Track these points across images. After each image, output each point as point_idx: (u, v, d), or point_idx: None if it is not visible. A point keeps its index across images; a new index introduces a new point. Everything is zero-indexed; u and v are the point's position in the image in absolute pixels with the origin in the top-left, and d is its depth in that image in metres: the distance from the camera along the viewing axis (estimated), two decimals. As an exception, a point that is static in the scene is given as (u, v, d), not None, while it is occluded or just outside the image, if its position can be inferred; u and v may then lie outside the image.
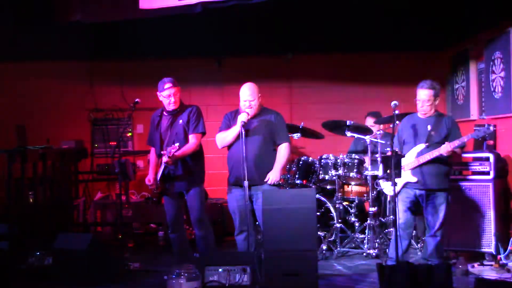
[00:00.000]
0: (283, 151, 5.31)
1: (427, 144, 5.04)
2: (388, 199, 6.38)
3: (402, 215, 5.17)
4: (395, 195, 4.69)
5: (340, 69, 8.00)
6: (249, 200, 5.13)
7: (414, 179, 5.06)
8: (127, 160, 7.04)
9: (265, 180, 5.20)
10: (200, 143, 5.35)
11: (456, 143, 4.96)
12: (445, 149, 4.93)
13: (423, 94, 5.09)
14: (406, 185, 5.15)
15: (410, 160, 5.11)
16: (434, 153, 4.98)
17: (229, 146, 5.33)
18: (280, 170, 5.28)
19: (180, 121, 5.27)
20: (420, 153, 5.07)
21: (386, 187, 5.36)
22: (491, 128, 5.05)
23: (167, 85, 5.22)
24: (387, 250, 5.74)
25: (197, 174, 5.30)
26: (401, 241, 5.03)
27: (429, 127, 5.10)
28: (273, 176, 5.22)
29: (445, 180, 5.17)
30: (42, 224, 6.60)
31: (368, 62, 7.92)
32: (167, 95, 5.23)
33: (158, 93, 5.31)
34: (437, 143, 5.04)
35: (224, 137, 5.30)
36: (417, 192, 5.11)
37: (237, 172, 5.14)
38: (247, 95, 5.22)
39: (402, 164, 5.01)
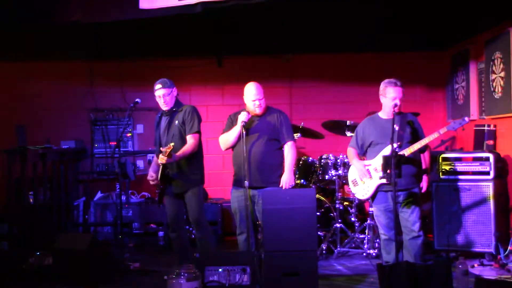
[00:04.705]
0: (290, 152, 5.26)
1: (398, 143, 4.86)
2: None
3: (384, 217, 5.02)
4: (395, 197, 4.65)
5: (340, 69, 8.00)
6: (252, 201, 5.13)
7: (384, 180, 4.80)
8: (127, 160, 7.04)
9: (280, 186, 5.17)
10: (200, 143, 5.34)
11: (435, 135, 4.86)
12: (427, 139, 4.84)
13: (400, 92, 4.95)
14: (380, 187, 4.99)
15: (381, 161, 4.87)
16: (415, 146, 4.83)
17: (234, 147, 5.31)
18: (292, 173, 5.24)
19: (176, 122, 5.27)
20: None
21: (358, 191, 5.18)
22: (466, 119, 4.98)
23: (157, 86, 5.26)
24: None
25: (194, 175, 5.27)
26: (388, 244, 5.01)
27: (396, 127, 4.90)
28: (286, 180, 5.18)
29: (418, 180, 5.07)
30: (42, 224, 6.60)
31: (368, 62, 7.92)
32: (157, 96, 5.27)
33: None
34: (408, 142, 4.94)
35: (227, 139, 5.27)
36: (398, 195, 4.90)
37: (240, 172, 5.13)
38: (255, 94, 5.18)
39: (374, 166, 4.99)
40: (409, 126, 5.01)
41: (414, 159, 4.99)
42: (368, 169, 5.07)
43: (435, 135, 4.89)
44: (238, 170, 5.21)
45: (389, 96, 4.97)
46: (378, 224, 5.11)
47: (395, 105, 4.87)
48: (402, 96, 4.96)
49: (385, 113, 5.09)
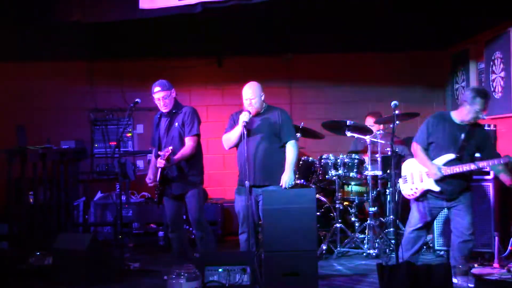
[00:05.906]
0: (291, 151, 5.25)
1: (457, 155, 4.80)
2: (388, 198, 6.37)
3: (421, 218, 4.98)
4: (397, 197, 4.65)
5: (340, 69, 8.00)
6: (255, 200, 5.15)
7: (437, 188, 4.85)
8: (127, 160, 7.04)
9: (280, 185, 5.17)
10: (199, 144, 5.35)
11: (488, 163, 4.78)
12: (475, 166, 4.76)
13: (486, 104, 4.76)
14: (428, 193, 4.93)
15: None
16: (464, 167, 4.76)
17: (237, 147, 5.31)
18: (292, 172, 5.23)
19: (176, 124, 5.27)
20: (448, 163, 4.83)
21: (405, 188, 5.08)
22: None
23: (156, 89, 5.25)
24: (386, 250, 5.69)
25: (194, 176, 5.28)
26: (416, 242, 5.01)
27: (462, 136, 4.82)
28: (287, 179, 5.18)
29: (467, 189, 5.03)
30: (42, 224, 6.60)
31: (368, 62, 7.93)
32: (156, 98, 5.26)
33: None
34: (468, 155, 4.84)
35: (228, 138, 5.30)
36: (445, 203, 4.94)
37: (243, 172, 5.13)
38: (248, 94, 5.22)
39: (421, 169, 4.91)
40: (477, 139, 4.87)
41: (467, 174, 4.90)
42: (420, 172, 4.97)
43: (474, 166, 4.77)
44: (241, 170, 5.22)
45: (476, 106, 4.75)
46: (412, 218, 5.02)
47: (395, 105, 4.84)
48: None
49: (460, 118, 4.87)
